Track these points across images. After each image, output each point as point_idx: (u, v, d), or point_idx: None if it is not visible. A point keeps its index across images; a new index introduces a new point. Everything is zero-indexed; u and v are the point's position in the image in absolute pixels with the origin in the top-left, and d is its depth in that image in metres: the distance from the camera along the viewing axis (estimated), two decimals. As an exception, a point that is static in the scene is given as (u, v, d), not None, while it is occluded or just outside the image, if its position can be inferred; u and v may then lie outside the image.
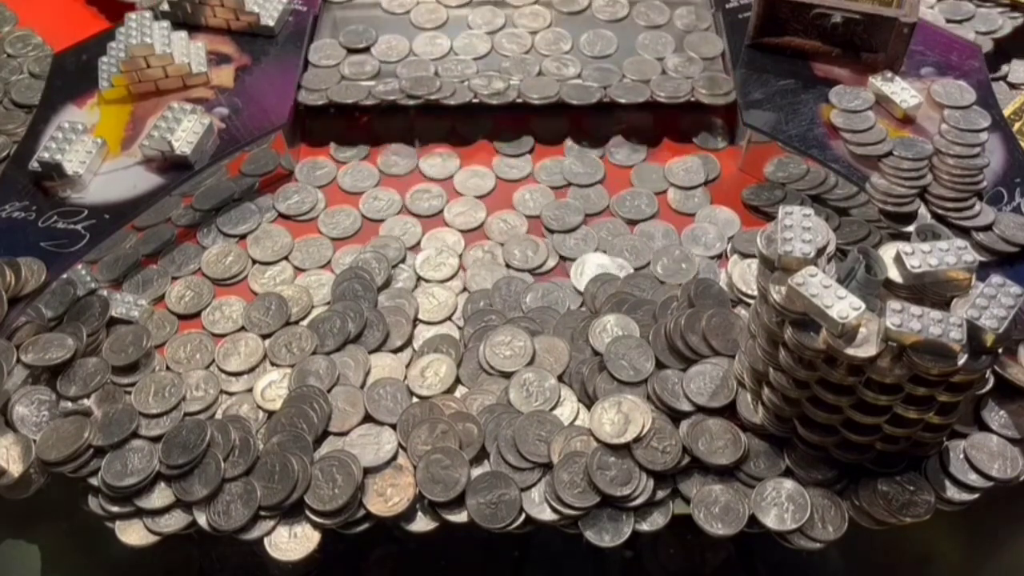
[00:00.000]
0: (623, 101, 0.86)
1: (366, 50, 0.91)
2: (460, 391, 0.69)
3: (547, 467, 0.64)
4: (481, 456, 0.65)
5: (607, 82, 0.87)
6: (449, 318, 0.75)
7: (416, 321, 0.74)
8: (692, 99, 0.86)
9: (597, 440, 0.64)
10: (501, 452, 0.64)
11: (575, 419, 0.67)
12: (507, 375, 0.69)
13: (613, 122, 0.89)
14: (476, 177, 0.85)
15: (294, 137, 0.87)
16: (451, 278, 0.77)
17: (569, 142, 0.88)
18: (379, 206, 0.83)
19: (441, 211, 0.82)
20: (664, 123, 0.89)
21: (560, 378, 0.69)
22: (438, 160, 0.86)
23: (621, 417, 0.65)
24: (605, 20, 0.94)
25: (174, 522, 0.63)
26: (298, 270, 0.78)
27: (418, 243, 0.80)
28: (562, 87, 0.87)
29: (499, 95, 0.86)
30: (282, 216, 0.82)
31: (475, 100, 0.86)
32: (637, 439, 0.64)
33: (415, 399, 0.68)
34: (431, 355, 0.71)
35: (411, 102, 0.86)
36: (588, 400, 0.67)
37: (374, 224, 0.82)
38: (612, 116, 0.88)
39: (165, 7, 0.90)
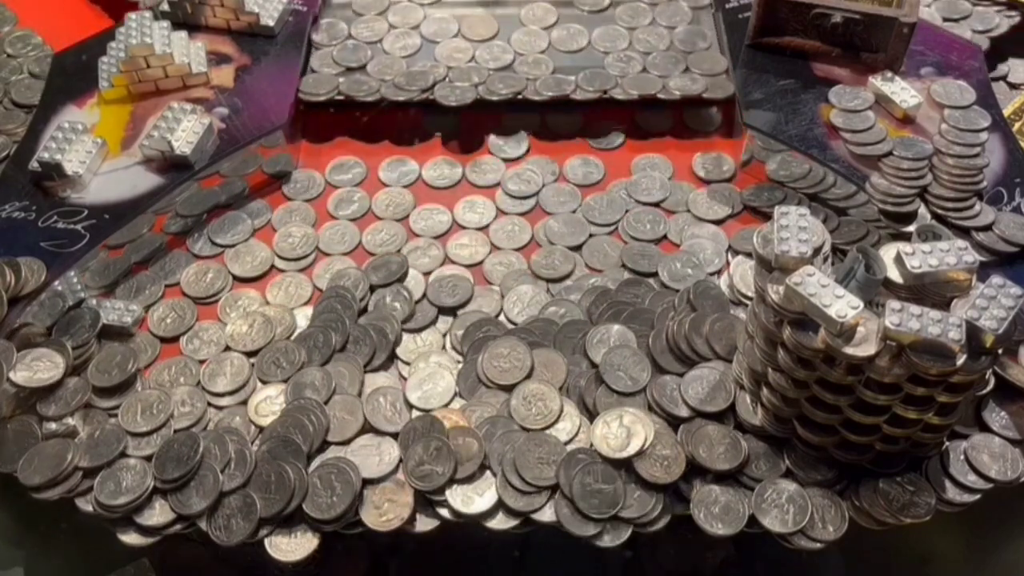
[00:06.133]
0: (622, 98, 0.86)
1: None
2: (458, 403, 0.69)
3: (554, 488, 0.63)
4: (481, 470, 0.64)
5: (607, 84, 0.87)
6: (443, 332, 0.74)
7: (402, 332, 0.73)
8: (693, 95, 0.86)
9: (601, 457, 0.64)
10: (506, 475, 0.63)
11: (576, 434, 0.66)
12: (506, 388, 0.68)
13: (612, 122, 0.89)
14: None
15: (295, 133, 0.86)
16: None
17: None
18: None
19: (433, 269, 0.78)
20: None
21: (560, 390, 0.68)
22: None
23: (623, 431, 0.65)
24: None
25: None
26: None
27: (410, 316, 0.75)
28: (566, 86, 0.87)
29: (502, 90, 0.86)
30: (278, 256, 0.79)
31: (477, 97, 0.86)
32: (639, 453, 0.64)
33: (415, 412, 0.68)
34: (428, 368, 0.70)
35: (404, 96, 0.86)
36: (588, 412, 0.67)
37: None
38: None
39: (165, 7, 0.90)
